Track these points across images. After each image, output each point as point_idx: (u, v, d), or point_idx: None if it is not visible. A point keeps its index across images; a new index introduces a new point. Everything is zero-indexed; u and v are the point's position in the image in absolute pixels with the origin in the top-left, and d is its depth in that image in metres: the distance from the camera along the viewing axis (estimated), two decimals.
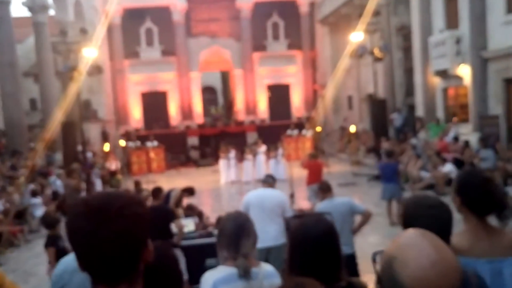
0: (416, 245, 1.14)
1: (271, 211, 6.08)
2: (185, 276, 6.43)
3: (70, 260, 2.62)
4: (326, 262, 2.04)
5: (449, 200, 2.33)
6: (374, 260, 1.07)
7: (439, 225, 1.85)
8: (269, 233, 5.87)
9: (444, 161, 13.46)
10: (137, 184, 13.10)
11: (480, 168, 10.29)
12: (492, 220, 2.12)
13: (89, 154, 18.90)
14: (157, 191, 7.03)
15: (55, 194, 14.38)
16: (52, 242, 6.39)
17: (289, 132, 24.37)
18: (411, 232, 1.22)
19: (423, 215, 1.89)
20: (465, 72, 15.33)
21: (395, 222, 10.32)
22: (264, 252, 5.82)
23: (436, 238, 1.18)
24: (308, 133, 24.34)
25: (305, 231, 2.09)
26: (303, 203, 11.79)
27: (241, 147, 20.67)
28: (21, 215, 12.46)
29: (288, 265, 2.12)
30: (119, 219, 1.22)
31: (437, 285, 1.07)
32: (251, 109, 27.51)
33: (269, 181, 6.65)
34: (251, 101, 27.55)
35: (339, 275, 2.04)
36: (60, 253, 6.01)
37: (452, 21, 16.15)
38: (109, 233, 1.21)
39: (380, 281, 1.19)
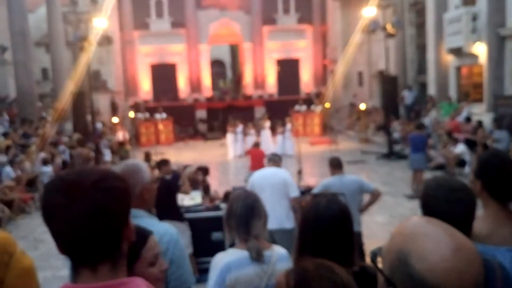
0: (429, 234, 1.02)
1: (276, 191, 5.82)
2: (190, 249, 6.46)
3: None
4: (339, 244, 1.98)
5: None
6: (373, 261, 0.98)
7: (461, 209, 1.77)
8: (273, 215, 5.67)
9: (455, 141, 13.31)
10: (147, 155, 13.11)
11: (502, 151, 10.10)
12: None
13: (98, 125, 18.96)
14: (161, 163, 6.98)
15: (64, 164, 14.50)
16: None
17: (297, 107, 24.20)
18: (417, 221, 1.09)
19: (444, 198, 1.79)
20: (480, 50, 15.00)
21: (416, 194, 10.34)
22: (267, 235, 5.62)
23: (443, 223, 1.07)
24: (316, 109, 24.18)
25: (318, 212, 2.02)
26: (311, 179, 11.76)
27: (249, 122, 20.61)
28: (32, 183, 12.59)
29: (298, 246, 2.06)
30: (95, 192, 1.17)
31: (464, 274, 0.98)
32: (259, 84, 27.30)
33: (275, 159, 6.47)
34: (260, 75, 27.32)
35: (352, 259, 1.99)
36: None
37: None
38: (85, 206, 1.16)
39: (391, 283, 1.06)
